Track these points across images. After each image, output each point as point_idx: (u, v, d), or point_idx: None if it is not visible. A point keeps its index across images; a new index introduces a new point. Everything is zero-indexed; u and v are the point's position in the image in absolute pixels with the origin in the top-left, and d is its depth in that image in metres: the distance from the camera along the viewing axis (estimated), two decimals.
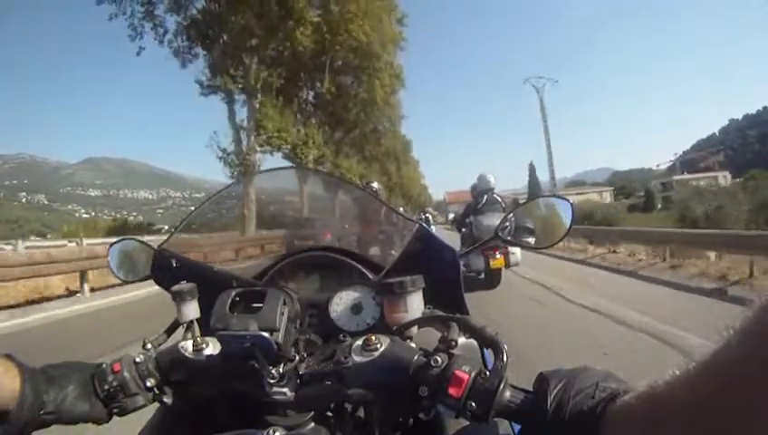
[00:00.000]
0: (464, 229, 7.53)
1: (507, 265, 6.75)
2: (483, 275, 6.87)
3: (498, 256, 6.46)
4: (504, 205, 7.15)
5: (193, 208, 1.02)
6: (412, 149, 63.52)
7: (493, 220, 6.51)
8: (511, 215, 0.88)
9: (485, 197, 7.18)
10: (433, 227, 14.70)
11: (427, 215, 15.78)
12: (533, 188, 68.14)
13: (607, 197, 63.00)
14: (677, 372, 0.34)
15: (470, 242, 6.93)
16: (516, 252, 6.57)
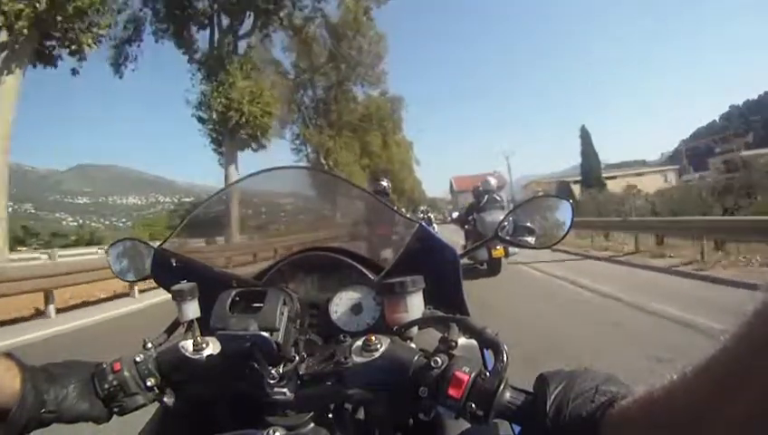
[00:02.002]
0: (467, 226, 8.78)
1: (507, 256, 7.85)
2: (485, 266, 8.00)
3: (499, 247, 7.44)
4: (503, 204, 8.32)
5: (190, 209, 1.03)
6: (403, 121, 42.53)
7: (494, 217, 7.78)
8: (511, 215, 0.90)
9: (486, 196, 8.38)
10: (435, 226, 14.71)
11: (429, 214, 15.78)
12: (589, 160, 45.16)
13: (671, 177, 48.10)
14: (675, 377, 0.34)
15: (474, 237, 8.28)
16: None
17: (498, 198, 8.51)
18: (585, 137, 46.45)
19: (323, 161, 30.78)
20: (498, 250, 7.51)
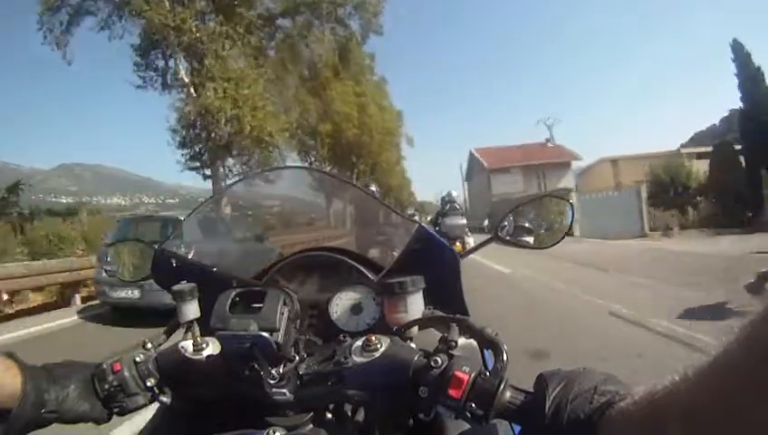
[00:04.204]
0: (436, 228, 10.35)
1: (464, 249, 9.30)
2: None
3: (458, 243, 8.89)
4: (462, 211, 10.02)
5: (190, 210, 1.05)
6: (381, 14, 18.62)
7: (453, 221, 9.45)
8: (510, 214, 0.92)
9: (449, 205, 10.00)
10: None
11: (416, 217, 16.54)
12: (756, 102, 17.06)
13: None
14: (676, 378, 0.34)
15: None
16: (470, 241, 9.13)
17: (458, 206, 10.32)
18: (743, 60, 18.89)
19: (186, 79, 14.75)
20: (457, 247, 8.46)
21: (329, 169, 29.40)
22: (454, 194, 10.76)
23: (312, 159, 30.07)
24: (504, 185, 33.66)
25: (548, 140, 39.15)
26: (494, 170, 35.89)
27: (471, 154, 42.51)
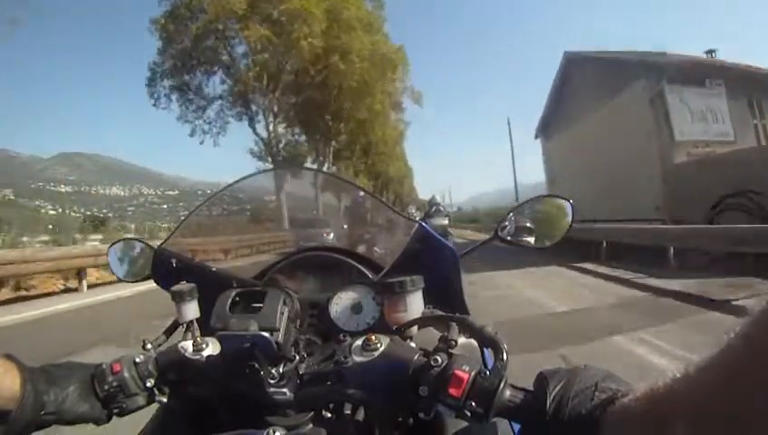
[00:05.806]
0: None
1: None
2: None
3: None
4: (446, 213, 12.39)
5: (191, 208, 1.05)
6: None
7: (437, 221, 11.27)
8: (511, 214, 0.92)
9: (434, 207, 12.25)
10: None
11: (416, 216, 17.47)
12: None
13: None
14: (677, 375, 0.34)
15: None
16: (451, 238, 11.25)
17: (441, 209, 12.41)
18: None
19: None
20: None
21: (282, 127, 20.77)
22: (437, 198, 13.39)
23: (255, 108, 19.67)
24: (700, 121, 14.01)
25: (710, 52, 16.06)
26: (679, 77, 13.72)
27: (567, 61, 19.43)
